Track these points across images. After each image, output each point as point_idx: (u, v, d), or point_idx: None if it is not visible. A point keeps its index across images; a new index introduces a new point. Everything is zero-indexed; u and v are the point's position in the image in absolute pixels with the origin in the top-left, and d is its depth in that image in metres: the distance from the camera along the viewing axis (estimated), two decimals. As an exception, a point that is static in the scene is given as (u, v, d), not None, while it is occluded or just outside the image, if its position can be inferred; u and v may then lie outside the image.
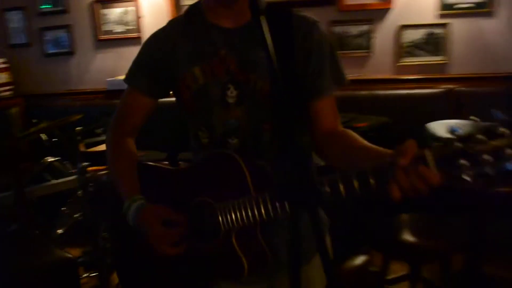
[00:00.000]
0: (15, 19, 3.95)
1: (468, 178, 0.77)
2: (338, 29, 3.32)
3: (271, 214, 0.98)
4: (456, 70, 3.23)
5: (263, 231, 1.06)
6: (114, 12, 3.68)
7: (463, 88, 3.12)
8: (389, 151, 0.91)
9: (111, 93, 3.67)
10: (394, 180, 0.82)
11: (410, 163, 0.80)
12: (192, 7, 1.21)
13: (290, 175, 0.89)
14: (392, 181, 0.82)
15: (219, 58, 1.14)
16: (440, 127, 2.08)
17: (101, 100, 3.71)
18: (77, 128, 2.43)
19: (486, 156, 0.75)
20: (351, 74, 3.01)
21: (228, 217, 1.04)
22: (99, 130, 2.70)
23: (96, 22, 3.75)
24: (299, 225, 0.90)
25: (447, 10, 3.14)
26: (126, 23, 3.68)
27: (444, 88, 3.14)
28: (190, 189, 1.13)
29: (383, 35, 3.25)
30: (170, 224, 1.11)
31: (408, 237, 2.08)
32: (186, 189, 1.15)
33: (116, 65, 3.77)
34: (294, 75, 1.11)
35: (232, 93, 1.14)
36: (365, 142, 1.05)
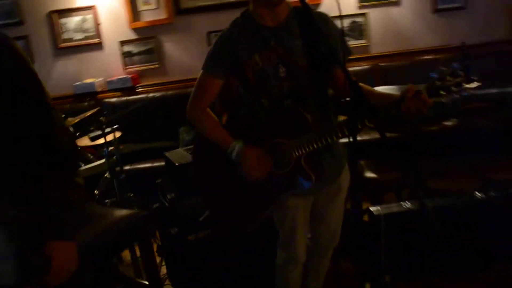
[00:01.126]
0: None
1: (444, 101, 1.42)
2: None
3: (329, 140, 1.59)
4: (376, 50, 4.03)
5: (318, 157, 1.66)
6: (73, 21, 3.96)
7: (383, 64, 3.94)
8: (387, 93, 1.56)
9: (79, 97, 3.97)
10: (406, 106, 1.45)
11: (414, 94, 1.43)
12: (243, 14, 1.75)
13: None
14: (404, 106, 1.46)
15: (270, 48, 1.70)
16: (388, 90, 2.78)
17: (71, 104, 3.97)
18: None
19: (453, 88, 1.41)
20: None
21: (299, 147, 1.63)
22: (92, 127, 3.05)
23: (55, 31, 3.98)
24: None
25: (365, 2, 3.92)
26: (85, 30, 3.97)
27: (369, 64, 3.93)
28: (269, 134, 1.70)
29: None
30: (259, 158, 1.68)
31: (370, 174, 2.78)
32: (266, 135, 1.71)
33: (79, 70, 4.04)
34: (320, 54, 1.71)
35: (282, 70, 1.71)
36: (371, 88, 1.70)
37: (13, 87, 1.28)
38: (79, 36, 3.98)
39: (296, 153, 1.65)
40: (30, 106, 1.31)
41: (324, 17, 1.73)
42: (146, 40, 3.99)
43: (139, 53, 4.00)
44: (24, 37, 3.99)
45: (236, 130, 1.77)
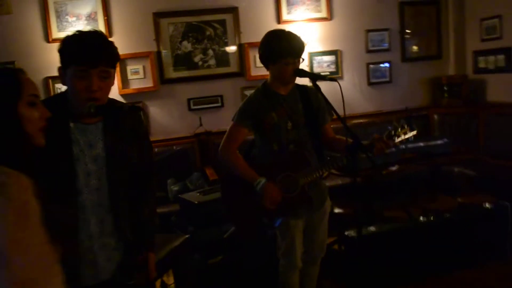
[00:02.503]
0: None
1: (393, 144, 2.29)
2: (247, 92, 4.74)
3: (325, 171, 2.35)
4: (325, 114, 4.96)
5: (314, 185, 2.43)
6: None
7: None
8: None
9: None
10: (376, 147, 2.28)
11: (379, 138, 2.27)
12: (264, 84, 2.52)
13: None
14: (375, 147, 2.28)
15: (282, 108, 2.47)
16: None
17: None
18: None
19: (402, 135, 2.28)
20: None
21: (304, 177, 2.36)
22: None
23: (51, 93, 4.43)
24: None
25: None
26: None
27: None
28: (280, 169, 2.41)
29: (278, 94, 4.79)
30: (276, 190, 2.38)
31: (337, 210, 3.55)
32: (277, 170, 2.41)
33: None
34: (313, 115, 2.51)
35: (289, 124, 2.47)
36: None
37: (141, 142, 1.87)
38: (72, 100, 4.48)
39: (302, 180, 2.38)
40: (148, 155, 1.92)
41: (314, 91, 2.55)
42: (134, 104, 4.58)
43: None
44: (20, 100, 4.39)
45: (256, 167, 2.46)
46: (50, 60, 4.27)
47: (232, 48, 4.74)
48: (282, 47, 2.37)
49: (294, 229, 2.50)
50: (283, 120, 2.46)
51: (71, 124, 1.67)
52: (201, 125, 4.64)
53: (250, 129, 2.48)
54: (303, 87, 2.57)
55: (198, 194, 3.32)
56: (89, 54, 1.58)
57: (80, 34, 1.62)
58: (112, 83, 1.70)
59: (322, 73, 4.89)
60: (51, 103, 1.65)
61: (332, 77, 2.38)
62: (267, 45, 2.43)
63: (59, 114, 1.63)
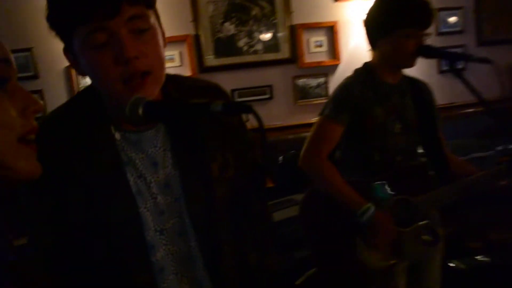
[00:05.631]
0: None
1: None
2: (299, 82, 4.08)
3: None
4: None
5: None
6: (93, 76, 3.87)
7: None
8: None
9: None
10: None
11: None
12: (365, 67, 1.84)
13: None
14: None
15: (390, 103, 1.79)
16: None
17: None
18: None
19: None
20: (314, 117, 3.80)
21: (426, 205, 1.69)
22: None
23: (72, 86, 3.86)
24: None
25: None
26: (106, 86, 3.89)
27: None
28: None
29: (335, 85, 4.09)
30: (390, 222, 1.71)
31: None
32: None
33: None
34: (429, 116, 1.83)
35: (397, 126, 1.80)
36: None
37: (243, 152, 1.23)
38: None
39: (425, 208, 1.71)
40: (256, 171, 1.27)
41: (428, 86, 1.87)
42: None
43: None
44: (38, 92, 3.82)
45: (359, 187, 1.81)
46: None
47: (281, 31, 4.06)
48: (401, 11, 1.68)
49: (399, 273, 1.84)
50: (390, 119, 1.79)
51: (116, 135, 1.01)
52: (247, 120, 3.97)
53: (345, 126, 1.82)
54: (410, 77, 1.89)
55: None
56: None
57: None
58: (162, 42, 0.99)
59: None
60: (78, 105, 1.06)
61: (483, 57, 1.68)
62: (379, 8, 1.74)
63: (93, 121, 1.00)
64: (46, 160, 0.96)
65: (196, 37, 3.96)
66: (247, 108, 0.84)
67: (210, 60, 4.01)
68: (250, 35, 4.04)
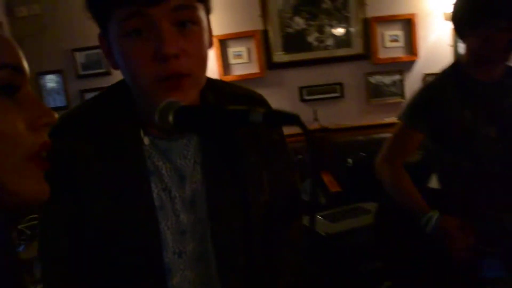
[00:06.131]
0: (52, 82, 3.95)
1: None
2: (372, 79, 3.84)
3: None
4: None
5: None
6: (161, 73, 3.87)
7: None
8: None
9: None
10: None
11: None
12: (454, 65, 1.63)
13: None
14: None
15: (483, 105, 1.55)
16: None
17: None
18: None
19: None
20: (388, 117, 3.55)
21: None
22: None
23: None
24: None
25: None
26: (174, 83, 3.87)
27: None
28: (476, 204, 1.52)
29: (411, 82, 3.82)
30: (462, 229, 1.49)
31: None
32: (471, 204, 1.53)
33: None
34: None
35: (493, 130, 1.56)
36: None
37: (277, 168, 1.08)
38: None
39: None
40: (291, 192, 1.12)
41: None
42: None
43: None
44: (109, 88, 3.89)
45: (427, 196, 1.61)
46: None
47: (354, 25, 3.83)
48: (492, 2, 1.47)
49: None
50: (482, 122, 1.56)
51: (145, 139, 0.89)
52: (315, 119, 3.81)
53: (427, 133, 1.64)
54: None
55: (323, 219, 2.51)
56: None
57: None
58: (208, 42, 0.86)
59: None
60: (106, 101, 0.94)
61: None
62: None
63: (121, 122, 0.90)
64: (65, 158, 0.87)
65: (265, 33, 3.84)
66: (293, 118, 0.66)
67: (279, 56, 3.87)
68: (320, 29, 3.85)
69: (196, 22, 0.82)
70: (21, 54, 0.60)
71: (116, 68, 0.86)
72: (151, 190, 0.89)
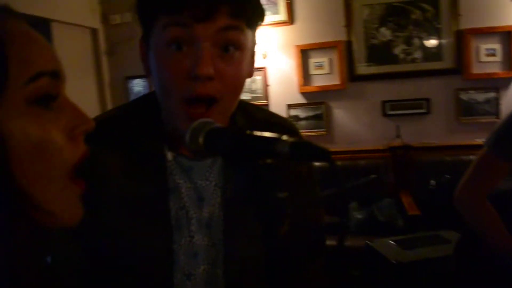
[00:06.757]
0: (138, 86, 4.12)
1: None
2: (464, 96, 3.56)
3: None
4: None
5: None
6: (241, 81, 3.89)
7: None
8: None
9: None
10: None
11: None
12: None
13: None
14: None
15: None
16: None
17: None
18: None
19: None
20: (479, 138, 3.24)
21: None
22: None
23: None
24: None
25: None
26: (253, 91, 3.87)
27: None
28: None
29: (509, 101, 3.49)
30: None
31: None
32: None
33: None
34: None
35: None
36: None
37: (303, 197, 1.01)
38: (246, 96, 3.86)
39: None
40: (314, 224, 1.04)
41: None
42: (315, 105, 3.79)
43: (306, 118, 3.80)
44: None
45: None
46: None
47: (445, 37, 3.58)
48: None
49: None
50: None
51: (169, 155, 0.87)
52: (398, 136, 3.61)
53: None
54: None
55: (396, 244, 2.33)
56: None
57: None
58: (247, 70, 0.83)
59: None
60: (134, 112, 0.91)
61: None
62: None
63: (147, 134, 0.87)
64: (89, 165, 0.86)
65: (348, 44, 3.72)
66: (323, 153, 0.59)
67: (362, 68, 3.73)
68: (408, 41, 3.65)
69: (239, 47, 0.79)
70: (58, 57, 0.56)
71: (148, 75, 0.84)
72: (169, 208, 0.86)
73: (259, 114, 0.96)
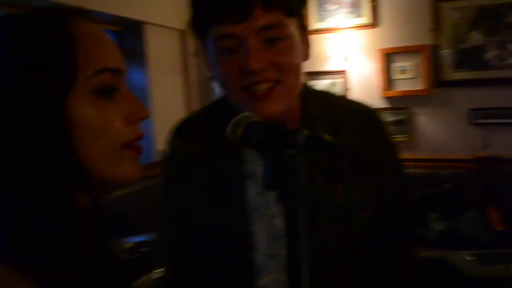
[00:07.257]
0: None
1: None
2: None
3: None
4: None
5: None
6: (322, 84, 3.88)
7: None
8: None
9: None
10: None
11: None
12: None
13: None
14: None
15: None
16: None
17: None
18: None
19: None
20: None
21: None
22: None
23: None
24: None
25: None
26: (333, 95, 3.85)
27: None
28: None
29: None
30: None
31: None
32: None
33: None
34: None
35: None
36: None
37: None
38: (325, 100, 3.85)
39: None
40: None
41: None
42: (398, 110, 3.69)
43: (388, 123, 3.71)
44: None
45: None
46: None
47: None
48: None
49: None
50: None
51: (248, 153, 0.96)
52: (485, 146, 3.41)
53: None
54: None
55: (472, 257, 2.21)
56: None
57: None
58: (302, 53, 0.91)
59: None
60: (213, 110, 1.06)
61: None
62: None
63: (223, 128, 0.91)
64: (179, 155, 0.99)
65: (435, 48, 3.58)
66: (331, 146, 0.64)
67: (449, 73, 3.57)
68: (501, 46, 3.44)
69: (285, 38, 0.87)
70: (121, 55, 0.66)
71: (214, 77, 0.95)
72: (245, 193, 0.94)
73: (335, 101, 1.02)
